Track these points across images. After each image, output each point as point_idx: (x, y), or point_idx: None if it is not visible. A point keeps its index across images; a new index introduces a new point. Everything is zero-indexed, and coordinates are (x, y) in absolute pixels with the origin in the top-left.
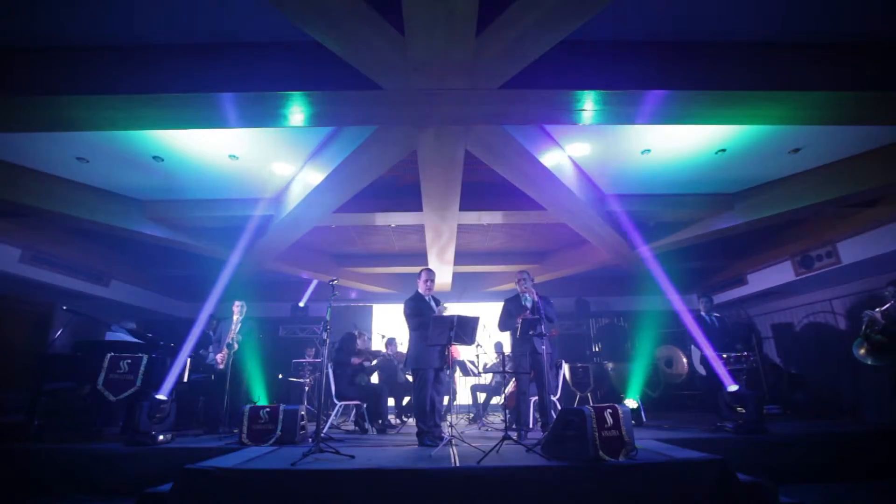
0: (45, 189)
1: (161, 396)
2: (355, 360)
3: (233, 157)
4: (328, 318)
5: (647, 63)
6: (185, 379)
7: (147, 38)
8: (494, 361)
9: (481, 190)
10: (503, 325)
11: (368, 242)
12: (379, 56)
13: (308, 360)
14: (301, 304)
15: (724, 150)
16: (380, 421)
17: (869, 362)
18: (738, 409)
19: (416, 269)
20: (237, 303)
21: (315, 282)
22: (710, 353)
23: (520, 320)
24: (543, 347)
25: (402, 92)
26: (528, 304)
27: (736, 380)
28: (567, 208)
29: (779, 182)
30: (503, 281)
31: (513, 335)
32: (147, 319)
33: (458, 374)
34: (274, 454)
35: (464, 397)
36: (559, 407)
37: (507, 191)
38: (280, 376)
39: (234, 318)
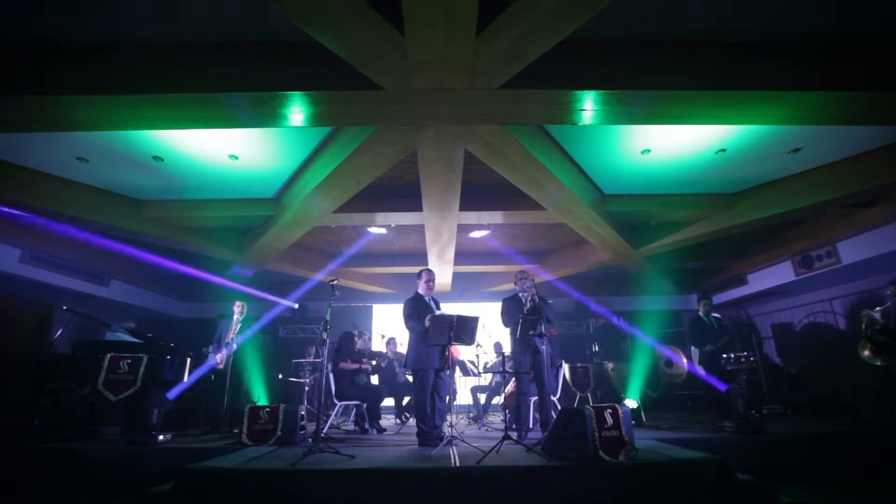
0: (45, 189)
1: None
2: (345, 366)
3: (233, 157)
4: (328, 317)
5: (647, 63)
6: (186, 379)
7: (147, 38)
8: (494, 361)
9: (481, 190)
10: (508, 322)
11: (368, 242)
12: (379, 56)
13: (308, 360)
14: (295, 305)
15: (724, 150)
16: (377, 422)
17: (878, 363)
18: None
19: (416, 269)
20: (238, 303)
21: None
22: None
23: (520, 320)
24: (543, 347)
25: (402, 92)
26: (528, 304)
27: (733, 380)
28: (567, 208)
29: (779, 182)
30: (503, 281)
31: (513, 335)
32: (147, 319)
33: (458, 374)
34: (274, 454)
35: (464, 397)
36: (559, 407)
37: (507, 191)
38: (280, 376)
39: (235, 317)
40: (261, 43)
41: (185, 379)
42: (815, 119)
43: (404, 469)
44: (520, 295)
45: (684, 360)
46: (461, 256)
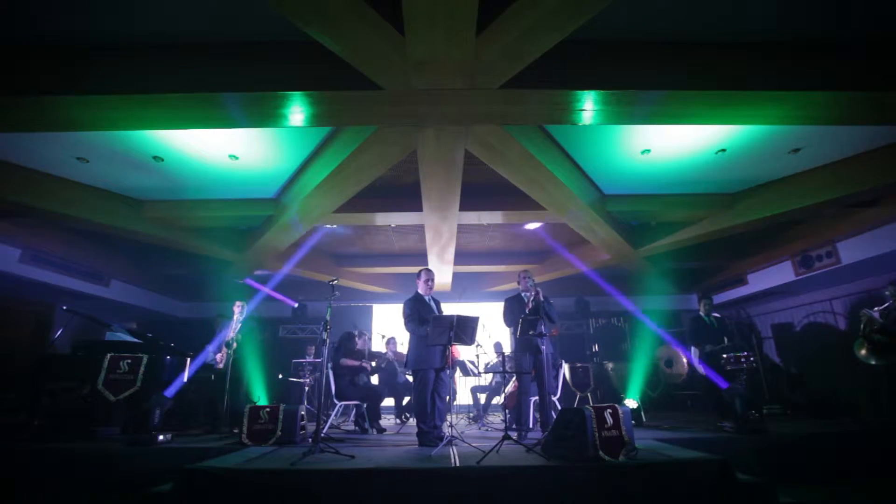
0: (45, 189)
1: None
2: (346, 363)
3: (233, 157)
4: (328, 317)
5: (647, 63)
6: (185, 378)
7: (147, 38)
8: (494, 361)
9: (481, 190)
10: (510, 322)
11: (368, 242)
12: (379, 56)
13: (308, 360)
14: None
15: (724, 150)
16: (377, 422)
17: (872, 362)
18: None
19: (416, 269)
20: (238, 303)
21: None
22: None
23: (519, 320)
24: (544, 347)
25: (402, 92)
26: (530, 304)
27: (731, 381)
28: (567, 208)
29: (779, 182)
30: (503, 281)
31: (513, 334)
32: (147, 319)
33: (458, 374)
34: (274, 454)
35: (464, 397)
36: (559, 407)
37: (507, 191)
38: (280, 376)
39: (234, 317)
40: (261, 43)
41: (185, 379)
42: (815, 119)
43: (404, 469)
44: (522, 294)
45: (689, 359)
46: (461, 256)
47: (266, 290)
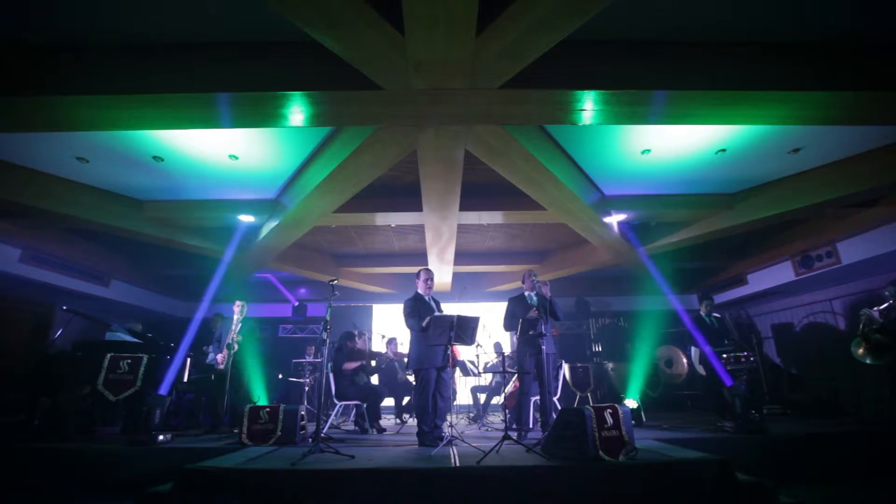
0: (45, 189)
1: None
2: (348, 366)
3: (233, 157)
4: (328, 317)
5: (647, 63)
6: (186, 378)
7: (147, 38)
8: (494, 361)
9: (481, 190)
10: (509, 326)
11: (368, 242)
12: (379, 56)
13: (308, 360)
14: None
15: (724, 150)
16: (377, 422)
17: (868, 361)
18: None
19: (416, 269)
20: (238, 303)
21: None
22: (708, 350)
23: (520, 320)
24: (544, 347)
25: (402, 92)
26: (535, 303)
27: (734, 380)
28: (567, 208)
29: (779, 182)
30: (503, 281)
31: (515, 335)
32: (147, 319)
33: (457, 373)
34: (274, 454)
35: (464, 397)
36: (559, 407)
37: (507, 191)
38: (280, 376)
39: (235, 317)
40: (261, 43)
41: (186, 379)
42: (815, 119)
43: (404, 469)
44: (526, 294)
45: (685, 360)
46: (461, 256)
47: (276, 282)
